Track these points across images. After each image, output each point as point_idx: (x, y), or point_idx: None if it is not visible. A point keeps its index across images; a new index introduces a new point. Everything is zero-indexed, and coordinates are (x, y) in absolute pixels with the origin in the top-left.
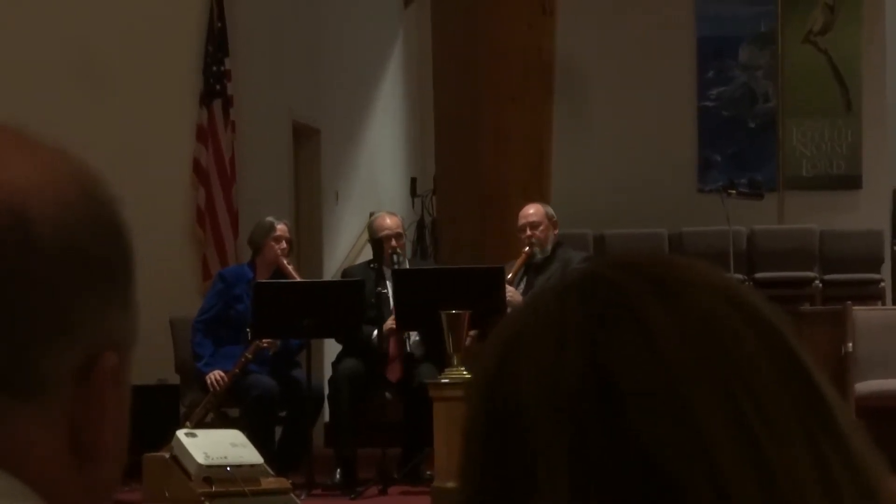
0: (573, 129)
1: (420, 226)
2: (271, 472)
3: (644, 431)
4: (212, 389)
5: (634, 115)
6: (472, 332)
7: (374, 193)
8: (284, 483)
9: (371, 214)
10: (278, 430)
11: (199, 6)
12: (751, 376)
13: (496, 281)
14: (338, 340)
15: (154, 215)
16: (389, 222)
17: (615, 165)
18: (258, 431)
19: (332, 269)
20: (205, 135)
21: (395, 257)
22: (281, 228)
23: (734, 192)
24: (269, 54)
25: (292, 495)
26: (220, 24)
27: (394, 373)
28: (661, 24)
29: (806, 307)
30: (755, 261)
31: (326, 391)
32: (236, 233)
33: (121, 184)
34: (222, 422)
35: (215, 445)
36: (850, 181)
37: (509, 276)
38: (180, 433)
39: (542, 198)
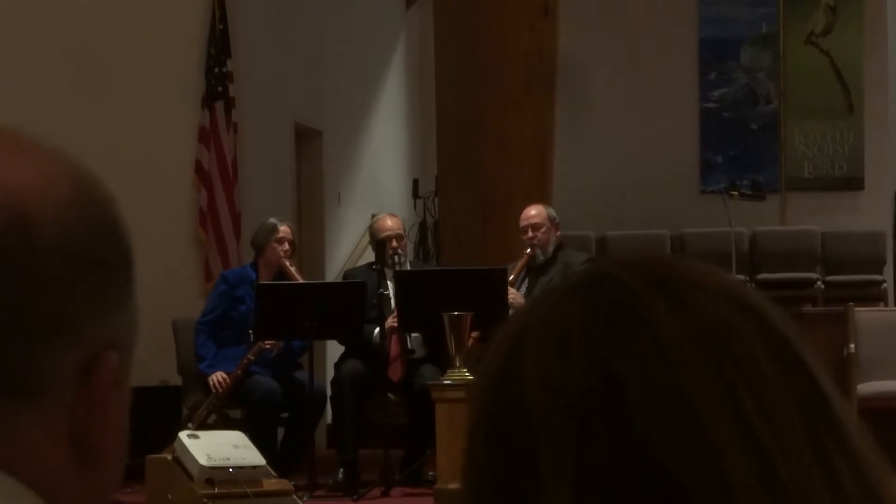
0: (575, 131)
1: (422, 227)
2: (273, 474)
3: (649, 432)
4: (214, 391)
5: (636, 116)
6: (473, 334)
7: (376, 195)
8: (287, 484)
9: (373, 216)
10: (280, 432)
11: (201, 8)
12: (755, 377)
13: (498, 282)
14: (340, 342)
15: (156, 217)
16: (390, 223)
17: (617, 167)
18: (260, 433)
19: (334, 271)
20: (207, 136)
21: (395, 258)
22: (283, 230)
23: (736, 193)
24: (271, 56)
25: (294, 497)
26: (221, 26)
27: (395, 372)
28: (662, 26)
29: (808, 308)
30: (757, 262)
31: (329, 392)
32: (238, 234)
33: (123, 185)
34: (224, 423)
35: (217, 447)
36: (852, 182)
37: (511, 277)
38: (182, 435)
39: (543, 199)
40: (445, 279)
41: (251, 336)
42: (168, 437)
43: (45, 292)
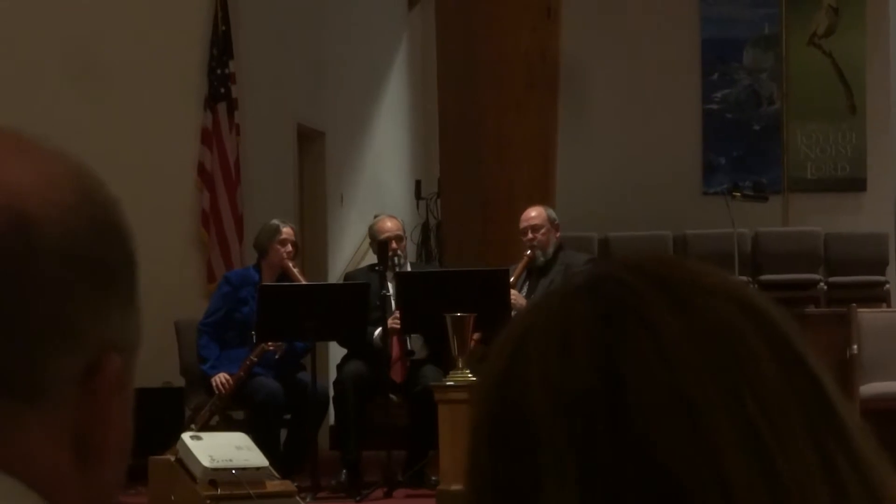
0: (577, 132)
1: (425, 228)
2: (276, 475)
3: (650, 432)
4: (217, 392)
5: (638, 117)
6: (475, 336)
7: (379, 196)
8: (289, 486)
9: (375, 217)
10: (283, 433)
11: (204, 9)
12: (757, 377)
13: (501, 283)
14: (341, 344)
15: (159, 218)
16: (390, 225)
17: (619, 168)
18: (263, 434)
19: (336, 272)
20: (209, 138)
21: (395, 259)
22: (286, 231)
23: (739, 194)
24: (273, 57)
25: (297, 498)
26: (224, 28)
27: (397, 373)
28: (664, 27)
29: (811, 309)
30: (760, 263)
31: (331, 394)
32: (241, 236)
33: (125, 187)
34: (227, 425)
35: (220, 448)
36: (855, 183)
37: (511, 279)
38: (185, 436)
39: (546, 200)
40: (448, 280)
41: (254, 337)
42: (171, 439)
43: (45, 293)
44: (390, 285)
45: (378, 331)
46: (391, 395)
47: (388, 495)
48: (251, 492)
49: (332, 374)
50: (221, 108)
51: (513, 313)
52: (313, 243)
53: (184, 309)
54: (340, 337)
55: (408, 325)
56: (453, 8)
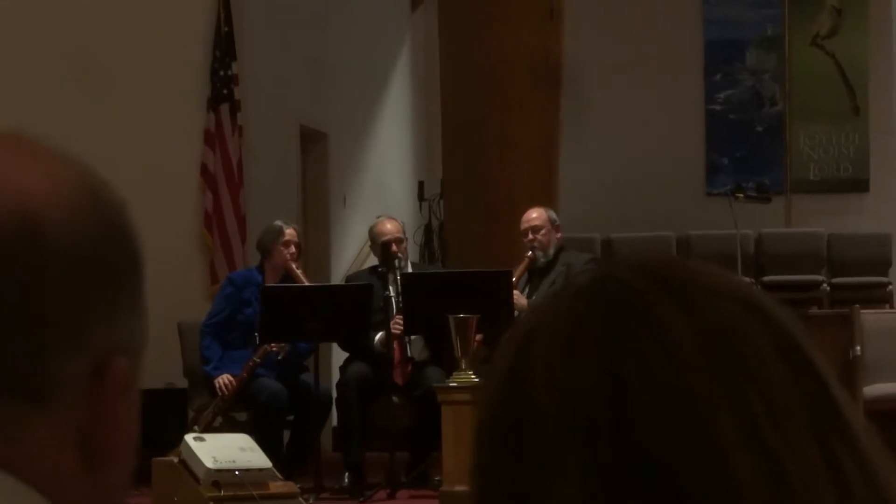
0: (581, 133)
1: (427, 229)
2: (279, 476)
3: (656, 433)
4: (220, 393)
5: (641, 118)
6: (478, 337)
7: (382, 197)
8: (292, 487)
9: (377, 218)
10: (286, 434)
11: (207, 11)
12: (762, 377)
13: (504, 285)
14: (342, 347)
15: (162, 219)
16: (390, 227)
17: (622, 169)
18: (266, 435)
19: (339, 274)
20: (212, 139)
21: (396, 261)
22: (289, 233)
23: (742, 195)
24: (276, 59)
25: (300, 499)
26: (227, 29)
27: (398, 377)
28: (668, 28)
29: (814, 310)
30: (763, 264)
31: (334, 395)
32: (244, 237)
33: (128, 188)
34: (230, 426)
35: (223, 449)
36: (858, 184)
37: (512, 279)
38: (188, 437)
39: (548, 202)
40: (451, 281)
41: (257, 339)
42: (174, 440)
43: (52, 296)
44: (392, 287)
45: (380, 335)
46: (394, 397)
47: (391, 497)
48: (254, 493)
49: (335, 376)
50: (224, 109)
51: (516, 314)
52: (316, 244)
53: (187, 310)
54: (343, 338)
55: (410, 327)
56: (456, 9)
